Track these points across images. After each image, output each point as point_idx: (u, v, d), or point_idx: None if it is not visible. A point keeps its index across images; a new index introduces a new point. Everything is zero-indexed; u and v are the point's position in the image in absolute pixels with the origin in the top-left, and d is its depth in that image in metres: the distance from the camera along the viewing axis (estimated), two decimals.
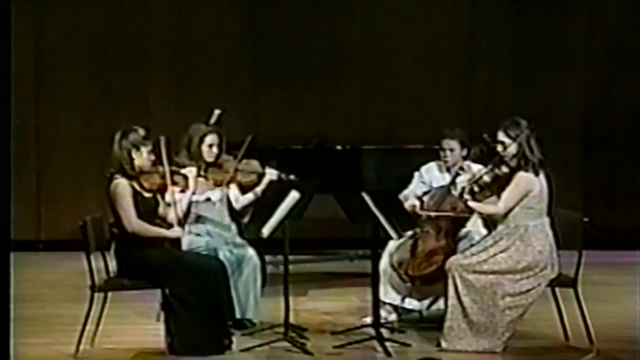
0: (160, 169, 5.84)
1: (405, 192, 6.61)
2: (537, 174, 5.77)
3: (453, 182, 6.33)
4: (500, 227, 5.85)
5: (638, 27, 10.13)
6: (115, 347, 5.92)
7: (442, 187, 6.44)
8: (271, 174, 6.45)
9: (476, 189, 5.94)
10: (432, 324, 6.21)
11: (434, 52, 10.22)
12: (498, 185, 5.87)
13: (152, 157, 5.82)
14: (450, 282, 5.79)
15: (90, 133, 9.79)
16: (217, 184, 6.38)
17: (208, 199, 6.40)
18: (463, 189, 5.98)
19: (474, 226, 6.39)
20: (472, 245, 6.07)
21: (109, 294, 5.93)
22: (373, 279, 6.16)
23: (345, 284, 8.05)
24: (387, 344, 5.83)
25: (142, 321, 6.57)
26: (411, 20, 10.20)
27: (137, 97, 10.06)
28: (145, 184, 5.78)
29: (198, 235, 6.38)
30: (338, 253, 9.17)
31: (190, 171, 6.06)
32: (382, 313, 6.25)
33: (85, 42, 10.13)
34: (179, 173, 5.96)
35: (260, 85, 10.08)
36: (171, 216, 5.89)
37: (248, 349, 5.82)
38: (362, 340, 5.94)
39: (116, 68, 10.14)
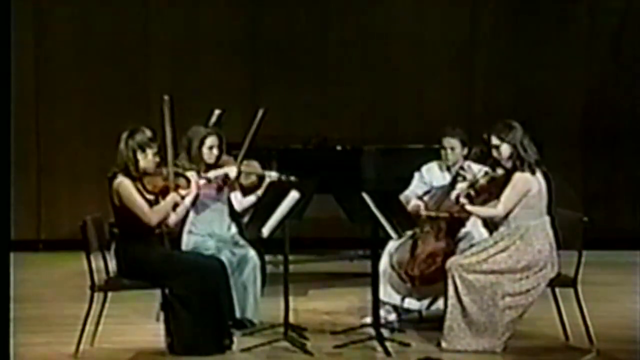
0: (164, 171, 5.83)
1: (406, 192, 6.61)
2: (533, 173, 5.78)
3: (453, 181, 6.33)
4: (501, 229, 5.85)
5: (638, 27, 10.13)
6: (115, 347, 5.92)
7: (442, 187, 6.44)
8: (270, 176, 6.45)
9: (473, 193, 5.96)
10: (431, 324, 6.22)
11: (434, 52, 10.23)
12: (495, 187, 5.87)
13: (157, 159, 5.80)
14: (450, 282, 5.80)
15: (90, 133, 9.80)
16: (220, 186, 6.37)
17: (225, 176, 6.33)
18: (459, 194, 5.99)
19: (474, 226, 6.39)
20: (472, 246, 6.08)
21: (109, 294, 5.93)
22: (373, 279, 6.16)
23: (345, 284, 8.05)
24: (387, 343, 5.83)
25: (142, 321, 6.57)
26: (411, 20, 10.21)
27: (137, 97, 10.06)
28: (148, 186, 5.77)
29: (198, 235, 6.38)
30: (338, 253, 9.18)
31: (193, 175, 6.05)
32: (382, 313, 6.25)
33: (85, 42, 10.14)
34: (182, 175, 5.96)
35: (260, 85, 10.08)
36: (172, 219, 5.89)
37: (248, 349, 5.82)
38: (362, 340, 5.94)
39: (116, 68, 10.14)
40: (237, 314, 6.24)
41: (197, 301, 5.65)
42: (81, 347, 5.73)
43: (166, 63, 10.22)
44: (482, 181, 6.01)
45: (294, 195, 5.91)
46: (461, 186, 6.15)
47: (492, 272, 5.75)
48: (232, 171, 6.33)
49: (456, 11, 10.28)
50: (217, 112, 7.02)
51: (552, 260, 5.79)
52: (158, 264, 5.71)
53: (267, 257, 7.00)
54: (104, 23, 10.13)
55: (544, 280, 5.78)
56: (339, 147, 8.17)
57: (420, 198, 6.50)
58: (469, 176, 6.21)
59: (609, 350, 5.81)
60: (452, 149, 6.53)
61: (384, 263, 6.37)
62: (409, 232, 6.38)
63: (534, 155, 5.80)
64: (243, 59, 10.23)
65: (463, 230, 6.37)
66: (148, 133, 5.77)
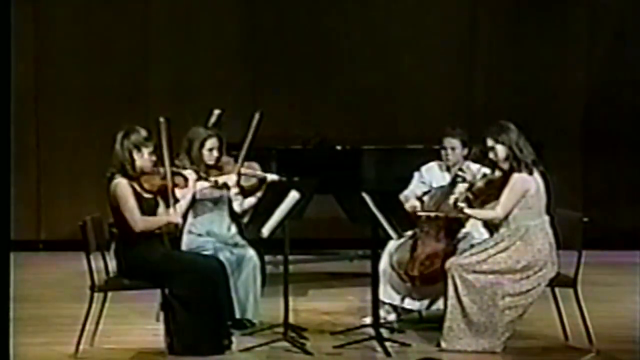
0: (161, 170, 5.84)
1: (406, 192, 6.61)
2: (531, 173, 5.78)
3: (453, 182, 6.33)
4: (502, 230, 5.84)
5: (638, 27, 10.13)
6: (115, 347, 5.92)
7: (442, 187, 6.44)
8: (272, 179, 6.43)
9: (471, 196, 5.96)
10: (431, 324, 6.22)
11: (434, 52, 10.22)
12: (494, 189, 5.88)
13: (154, 158, 5.82)
14: (450, 282, 5.80)
15: (90, 133, 9.80)
16: (220, 186, 6.37)
17: (224, 184, 6.33)
18: (457, 199, 5.99)
19: (474, 227, 6.39)
20: (472, 246, 6.08)
21: (109, 294, 5.93)
22: (373, 279, 6.16)
23: (345, 284, 8.05)
24: (387, 344, 5.83)
25: (142, 321, 6.57)
26: (411, 20, 10.20)
27: (137, 97, 10.06)
28: (146, 185, 5.78)
29: (198, 235, 6.38)
30: (338, 253, 9.17)
31: (191, 173, 6.05)
32: (382, 313, 6.25)
33: (85, 42, 10.14)
34: (180, 174, 5.96)
35: (260, 85, 10.08)
36: (171, 214, 5.88)
37: (248, 349, 5.82)
38: (361, 340, 5.94)
39: (116, 68, 10.15)
40: (237, 314, 6.24)
41: (197, 301, 5.65)
42: (81, 347, 5.73)
43: (166, 63, 10.22)
44: (480, 184, 6.02)
45: (294, 195, 5.91)
46: (460, 189, 6.15)
47: (492, 272, 5.75)
48: (231, 180, 6.33)
49: (456, 11, 10.28)
50: (216, 112, 7.01)
51: (552, 260, 5.79)
52: (158, 264, 5.71)
53: (267, 257, 7.01)
54: (104, 23, 10.12)
55: (544, 280, 5.78)
56: (339, 147, 8.17)
57: (419, 198, 6.50)
58: (468, 177, 6.21)
59: (609, 350, 5.81)
60: (453, 149, 6.53)
61: (383, 263, 6.37)
62: (409, 232, 6.38)
63: (530, 155, 5.80)
64: (243, 59, 10.23)
65: (463, 231, 6.37)
66: (143, 132, 5.78)
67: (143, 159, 5.77)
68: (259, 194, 6.42)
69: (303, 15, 10.22)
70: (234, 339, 5.86)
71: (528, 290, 5.75)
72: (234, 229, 6.53)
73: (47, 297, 7.53)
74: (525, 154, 5.79)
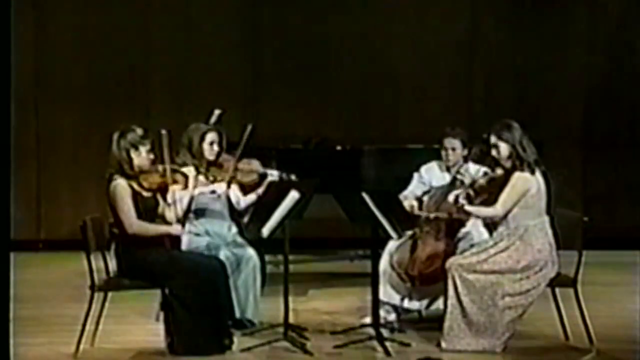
0: (159, 167, 5.84)
1: (405, 192, 6.61)
2: (532, 173, 5.78)
3: (453, 182, 6.33)
4: (500, 229, 5.85)
5: (638, 26, 10.13)
6: (115, 347, 5.92)
7: (441, 187, 6.44)
8: (272, 175, 6.44)
9: (472, 193, 5.96)
10: (431, 324, 6.22)
11: (434, 52, 10.23)
12: (495, 187, 5.88)
13: (151, 156, 5.82)
14: (450, 282, 5.80)
15: (90, 133, 9.79)
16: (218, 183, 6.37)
17: (213, 192, 6.36)
18: (457, 195, 5.99)
19: (474, 226, 6.39)
20: (472, 246, 6.08)
21: (109, 294, 5.93)
22: (373, 279, 6.16)
23: (345, 284, 8.05)
24: (387, 343, 5.83)
25: (142, 321, 6.57)
26: (411, 20, 10.21)
27: (137, 97, 10.06)
28: (145, 184, 5.78)
29: (198, 235, 6.39)
30: (338, 253, 9.18)
31: (190, 170, 6.06)
32: (382, 313, 6.25)
33: (85, 42, 10.14)
34: (179, 171, 5.97)
35: (260, 85, 10.08)
36: (170, 215, 5.89)
37: (248, 349, 5.82)
38: (361, 340, 5.94)
39: (116, 68, 10.14)
40: (237, 314, 6.24)
41: (197, 301, 5.65)
42: (81, 347, 5.73)
43: (166, 63, 10.22)
44: (481, 181, 6.03)
45: (294, 195, 5.91)
46: (459, 190, 6.16)
47: (492, 272, 5.75)
48: (220, 187, 6.34)
49: (456, 11, 10.28)
50: (217, 112, 7.01)
51: (552, 259, 5.79)
52: (158, 264, 5.71)
53: (267, 257, 7.01)
54: (104, 23, 10.12)
55: (544, 280, 5.78)
56: (339, 147, 8.17)
57: (418, 198, 6.50)
58: (467, 180, 6.21)
59: (609, 350, 5.81)
60: (453, 149, 6.53)
61: (383, 263, 6.37)
62: (409, 232, 6.39)
63: (532, 155, 5.81)
64: (243, 58, 10.23)
65: (463, 231, 6.37)
66: (139, 131, 5.79)
67: (141, 157, 5.77)
68: (259, 191, 6.41)
69: (303, 15, 10.22)
70: (234, 338, 5.86)
71: (528, 290, 5.75)
72: (234, 228, 6.54)
73: (47, 297, 7.53)
74: (528, 153, 5.79)
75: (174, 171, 5.89)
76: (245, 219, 6.53)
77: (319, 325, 6.46)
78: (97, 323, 5.88)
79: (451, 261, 5.87)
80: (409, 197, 6.53)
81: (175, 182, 5.88)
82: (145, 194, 5.79)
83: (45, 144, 10.18)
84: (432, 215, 6.28)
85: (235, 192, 6.52)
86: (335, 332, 6.24)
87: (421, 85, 10.20)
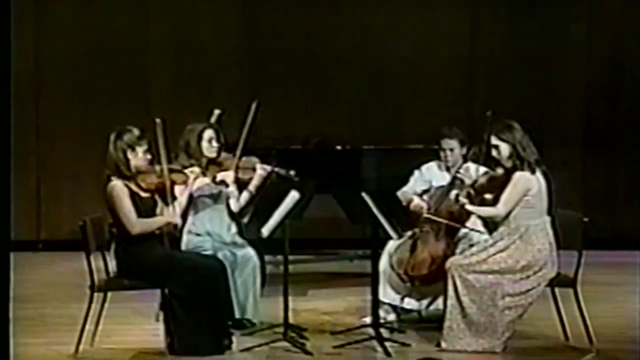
0: (157, 168, 5.84)
1: (405, 188, 6.61)
2: (533, 173, 5.78)
3: (453, 182, 6.34)
4: (501, 228, 5.85)
5: (638, 27, 10.13)
6: (115, 347, 5.92)
7: (441, 186, 6.44)
8: (263, 168, 6.43)
9: (473, 192, 5.97)
10: (431, 324, 6.22)
11: (434, 52, 10.23)
12: (495, 187, 5.88)
13: (149, 157, 5.82)
14: (449, 282, 5.79)
15: (90, 133, 9.78)
16: (218, 183, 6.37)
17: (222, 182, 6.33)
18: (458, 194, 5.99)
19: (474, 226, 6.39)
20: (471, 246, 6.08)
21: (109, 294, 5.93)
22: (373, 279, 6.16)
23: (345, 284, 8.05)
24: (387, 344, 5.83)
25: (142, 321, 6.58)
26: (411, 20, 10.21)
27: (137, 97, 10.06)
28: (142, 184, 5.78)
29: (198, 235, 6.38)
30: (338, 253, 9.18)
31: (193, 171, 6.06)
32: (381, 313, 6.26)
33: (85, 42, 10.15)
34: (177, 170, 5.96)
35: (260, 85, 10.08)
36: (169, 214, 5.88)
37: (248, 349, 5.82)
38: (361, 340, 5.94)
39: (116, 68, 10.15)
40: (237, 314, 6.24)
41: (197, 301, 5.65)
42: (81, 347, 5.73)
43: (166, 63, 10.22)
44: (482, 180, 6.03)
45: (294, 195, 5.91)
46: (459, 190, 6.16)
47: (492, 272, 5.75)
48: (229, 177, 6.33)
49: (456, 11, 10.28)
50: (217, 112, 7.01)
51: (552, 259, 5.79)
52: (158, 264, 5.71)
53: (267, 257, 7.00)
54: (104, 23, 10.13)
55: (544, 280, 5.77)
56: (339, 147, 8.17)
57: (420, 196, 6.50)
58: (467, 180, 6.21)
59: (609, 350, 5.81)
60: (451, 149, 6.54)
61: (383, 263, 6.37)
62: (409, 232, 6.39)
63: (533, 154, 5.81)
64: (243, 59, 10.23)
65: (463, 230, 6.37)
66: (136, 132, 5.78)
67: (138, 158, 5.77)
68: (251, 187, 6.40)
69: (303, 15, 10.23)
70: (234, 338, 5.86)
71: (528, 290, 5.74)
72: (233, 228, 6.54)
73: (47, 297, 7.53)
74: (529, 153, 5.79)
75: (172, 171, 5.88)
76: (245, 219, 6.53)
77: (319, 325, 6.46)
78: (97, 323, 5.88)
79: (451, 261, 5.87)
80: (409, 194, 6.53)
81: (174, 182, 5.88)
82: (143, 194, 5.78)
83: (45, 144, 10.19)
84: (437, 219, 6.25)
85: (232, 193, 6.50)
86: (335, 332, 6.24)
87: (421, 85, 10.21)
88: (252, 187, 6.42)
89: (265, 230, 5.95)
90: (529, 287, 5.74)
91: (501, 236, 5.82)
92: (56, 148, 10.16)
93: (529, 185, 5.77)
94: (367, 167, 8.05)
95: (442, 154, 6.58)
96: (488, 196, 5.99)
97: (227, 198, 6.50)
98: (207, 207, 6.42)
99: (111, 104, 9.98)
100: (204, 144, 6.36)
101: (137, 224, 5.68)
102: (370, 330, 6.01)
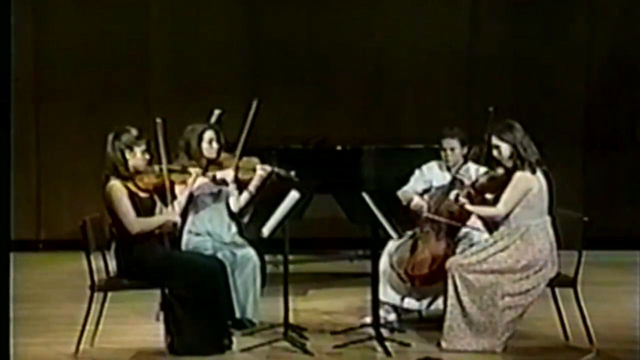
0: (156, 168, 5.84)
1: (405, 188, 6.61)
2: (534, 172, 5.78)
3: (453, 182, 6.34)
4: (501, 228, 5.85)
5: (638, 26, 10.13)
6: (115, 347, 5.92)
7: (442, 186, 6.44)
8: (263, 169, 6.43)
9: (473, 192, 5.97)
10: (431, 324, 6.22)
11: (434, 52, 10.22)
12: (496, 187, 5.88)
13: (147, 157, 5.81)
14: (450, 281, 5.80)
15: (90, 133, 9.77)
16: (218, 181, 6.37)
17: (223, 181, 6.33)
18: (458, 194, 5.99)
19: (474, 226, 6.38)
20: (471, 245, 6.08)
21: (109, 294, 5.93)
22: (373, 279, 6.16)
23: (345, 284, 8.05)
24: (387, 343, 5.83)
25: (142, 321, 6.57)
26: (411, 20, 10.20)
27: (137, 97, 10.06)
28: (141, 184, 5.78)
29: (198, 234, 6.39)
30: (338, 253, 9.17)
31: (196, 171, 6.06)
32: (382, 313, 6.25)
33: (85, 42, 10.14)
34: (176, 170, 5.96)
35: (260, 85, 10.08)
36: (169, 213, 5.88)
37: (248, 349, 5.82)
38: (361, 340, 5.94)
39: (116, 68, 10.14)
40: (237, 314, 6.24)
41: (197, 301, 5.65)
42: (81, 347, 5.74)
43: (166, 63, 10.22)
44: (483, 180, 6.03)
45: (294, 195, 5.91)
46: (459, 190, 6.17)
47: (492, 272, 5.75)
48: (229, 175, 6.33)
49: (456, 11, 10.28)
50: (217, 112, 7.01)
51: (552, 259, 5.79)
52: (158, 264, 5.71)
53: (267, 257, 7.00)
54: (104, 23, 10.12)
55: (544, 280, 5.78)
56: (339, 147, 8.17)
57: (420, 195, 6.50)
58: (467, 181, 6.21)
59: (609, 350, 5.81)
60: (452, 149, 6.53)
61: (383, 263, 6.37)
62: (409, 232, 6.39)
63: (534, 154, 5.81)
64: (243, 59, 10.23)
65: (463, 230, 6.37)
66: (134, 132, 5.78)
67: (136, 158, 5.76)
68: (251, 187, 6.40)
69: (303, 15, 10.22)
70: (234, 338, 5.86)
71: (528, 290, 5.75)
72: (233, 228, 6.54)
73: (47, 297, 7.53)
74: (529, 153, 5.79)
75: (171, 171, 5.88)
76: (245, 219, 6.53)
77: (319, 325, 6.46)
78: (97, 323, 5.88)
79: (451, 261, 5.87)
80: (410, 194, 6.52)
81: (173, 182, 5.88)
82: (141, 194, 5.78)
83: (45, 144, 10.18)
84: (437, 218, 6.26)
85: (232, 193, 6.50)
86: (335, 332, 6.24)
87: (421, 85, 10.20)
88: (252, 187, 6.43)
89: (266, 230, 5.95)
90: (529, 286, 5.74)
91: (501, 236, 5.83)
92: (56, 148, 10.16)
93: (529, 185, 5.77)
94: (367, 167, 8.05)
95: (442, 153, 6.58)
96: (489, 196, 5.99)
97: (227, 198, 6.50)
98: (207, 206, 6.42)
99: (111, 104, 9.97)
100: (204, 144, 6.36)
101: (136, 223, 5.68)
102: (371, 330, 6.01)
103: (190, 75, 10.17)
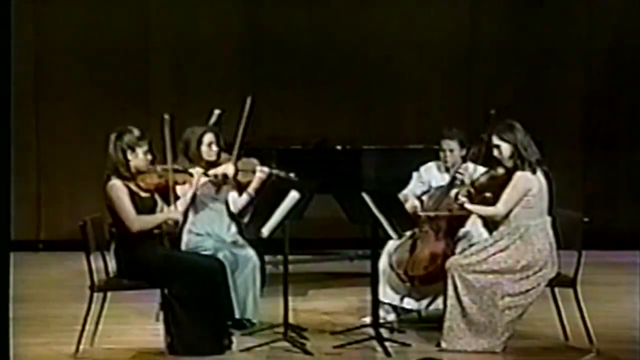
0: (158, 168, 5.83)
1: (405, 191, 6.61)
2: (534, 172, 5.78)
3: (452, 182, 6.34)
4: (501, 228, 5.85)
5: (638, 26, 10.13)
6: (115, 347, 5.92)
7: (441, 187, 6.44)
8: (262, 171, 6.43)
9: (473, 191, 5.97)
10: (431, 324, 6.22)
11: (434, 51, 10.23)
12: (496, 186, 5.88)
13: (149, 157, 5.81)
14: (449, 281, 5.80)
15: (90, 133, 9.78)
16: (220, 180, 6.37)
17: (224, 176, 6.32)
18: (457, 192, 6.00)
19: (473, 226, 6.39)
20: (471, 245, 6.08)
21: (109, 294, 5.93)
22: (372, 279, 6.16)
23: (345, 284, 8.05)
24: (387, 344, 5.83)
25: (142, 321, 6.57)
26: (411, 20, 10.21)
27: (137, 97, 10.06)
28: (142, 184, 5.78)
29: (198, 235, 6.38)
30: (338, 253, 9.17)
31: (197, 170, 6.07)
32: (381, 313, 6.25)
33: (85, 42, 10.14)
34: (179, 170, 5.96)
35: (260, 85, 10.08)
36: (170, 210, 5.88)
37: (248, 349, 5.82)
38: (361, 340, 5.94)
39: (116, 68, 10.15)
40: (237, 314, 6.24)
41: (197, 301, 5.65)
42: (81, 347, 5.74)
43: (166, 63, 10.22)
44: (482, 179, 6.02)
45: (294, 195, 5.91)
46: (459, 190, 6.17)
47: (492, 272, 5.75)
48: (229, 169, 6.33)
49: (456, 11, 10.28)
50: (217, 112, 7.01)
51: (552, 259, 5.79)
52: (157, 264, 5.71)
53: (267, 257, 7.01)
54: (104, 23, 10.12)
55: (544, 280, 5.77)
56: (339, 147, 8.17)
57: (418, 198, 6.50)
58: (466, 180, 6.21)
59: (609, 350, 5.81)
60: (451, 150, 6.54)
61: (383, 263, 6.38)
62: (409, 232, 6.38)
63: (534, 154, 5.81)
64: (243, 59, 10.23)
65: (462, 230, 6.37)
66: (136, 132, 5.78)
67: (138, 158, 5.76)
68: (250, 190, 6.40)
69: (303, 15, 10.22)
70: (234, 338, 5.86)
71: (528, 290, 5.74)
72: (233, 228, 6.53)
73: (47, 297, 7.53)
74: (530, 153, 5.79)
75: (175, 171, 5.88)
76: (245, 219, 6.53)
77: (319, 325, 6.46)
78: (97, 323, 5.88)
79: (451, 261, 5.87)
80: (409, 197, 6.53)
81: (176, 182, 5.88)
82: (143, 194, 5.78)
83: (45, 144, 10.18)
84: (432, 214, 6.28)
85: (232, 194, 6.50)
86: (335, 332, 6.24)
87: (421, 85, 10.20)
88: (251, 189, 6.42)
89: (265, 230, 5.95)
90: (529, 287, 5.74)
91: (501, 236, 5.83)
92: (56, 148, 10.16)
93: (529, 185, 5.77)
94: (367, 167, 8.05)
95: (441, 154, 6.58)
96: (488, 195, 5.99)
97: (227, 198, 6.50)
98: (207, 207, 6.42)
99: (111, 103, 9.97)
100: (204, 147, 6.36)
101: (136, 221, 5.68)
102: (370, 330, 6.01)
103: (191, 74, 10.17)
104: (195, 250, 6.25)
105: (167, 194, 5.84)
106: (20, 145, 9.16)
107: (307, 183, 6.07)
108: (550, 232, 5.82)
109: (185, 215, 6.22)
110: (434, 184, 6.55)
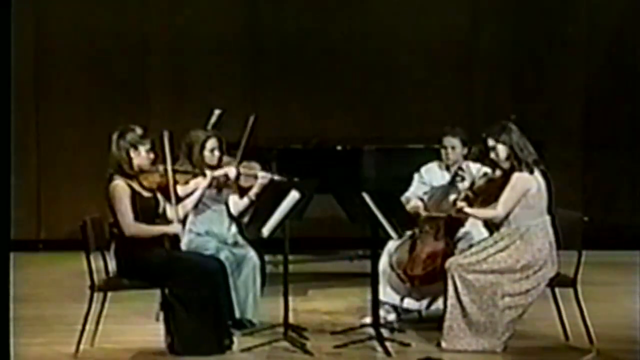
0: (160, 167, 5.84)
1: (407, 194, 6.62)
2: (532, 173, 5.78)
3: (453, 181, 6.34)
4: (502, 229, 5.84)
5: (637, 27, 10.13)
6: (115, 347, 5.92)
7: (441, 186, 6.45)
8: (264, 177, 6.43)
9: (471, 195, 5.96)
10: (431, 324, 6.22)
11: (434, 51, 10.23)
12: (494, 189, 5.88)
13: (152, 156, 5.82)
14: (449, 281, 5.79)
15: (90, 133, 9.80)
16: (220, 187, 6.38)
17: (225, 176, 6.32)
18: (456, 198, 6.00)
19: (473, 226, 6.39)
20: (471, 245, 6.08)
21: (109, 294, 5.93)
22: (373, 279, 6.16)
23: (345, 284, 8.05)
24: (387, 343, 5.83)
25: (142, 321, 6.57)
26: (411, 20, 10.22)
27: (137, 97, 10.07)
28: (145, 183, 5.78)
29: (198, 235, 6.39)
30: (338, 253, 9.17)
31: (209, 174, 6.08)
32: (381, 313, 6.25)
33: (85, 42, 10.15)
34: (181, 171, 5.96)
35: (260, 85, 10.09)
36: (172, 214, 5.88)
37: (248, 349, 5.82)
38: (362, 340, 5.94)
39: (116, 68, 10.15)
40: (237, 314, 6.24)
41: (197, 301, 5.65)
42: (81, 347, 5.73)
43: (166, 63, 10.22)
44: (481, 183, 6.03)
45: (294, 195, 5.91)
46: (460, 187, 6.17)
47: (492, 271, 5.75)
48: (231, 171, 6.33)
49: (456, 11, 10.28)
50: (217, 112, 7.02)
51: (552, 259, 5.79)
52: (158, 263, 5.71)
53: (267, 257, 7.01)
54: (103, 23, 10.13)
55: (544, 280, 5.77)
56: (339, 147, 8.17)
57: (420, 199, 6.50)
58: (467, 177, 6.21)
59: (609, 350, 5.81)
60: (453, 148, 6.54)
61: (383, 263, 6.38)
62: (409, 232, 6.39)
63: (531, 155, 5.81)
64: (243, 59, 10.24)
65: (462, 230, 6.38)
66: (138, 131, 5.78)
67: (140, 157, 5.77)
68: (251, 194, 6.40)
69: (303, 15, 10.23)
70: (234, 338, 5.86)
71: (528, 290, 5.74)
72: (234, 228, 6.54)
73: (47, 297, 7.54)
74: (526, 154, 5.79)
75: (176, 172, 5.89)
76: (245, 219, 6.53)
77: (319, 325, 6.46)
78: (97, 323, 5.88)
79: (451, 261, 5.87)
80: (411, 199, 6.53)
81: (177, 182, 5.88)
82: (145, 193, 5.78)
83: (45, 144, 10.19)
84: (434, 214, 6.27)
85: (233, 196, 6.50)
86: (335, 332, 6.24)
87: (421, 85, 10.21)
88: (252, 194, 6.42)
89: (265, 230, 5.95)
90: (529, 286, 5.74)
91: (501, 236, 5.82)
92: (56, 148, 10.16)
93: (527, 185, 5.76)
94: (367, 167, 8.05)
95: (443, 151, 6.58)
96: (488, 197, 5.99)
97: (228, 200, 6.50)
98: (208, 207, 6.42)
99: (111, 103, 9.98)
100: (206, 153, 6.37)
101: (132, 226, 5.68)
102: (370, 330, 6.01)
103: (191, 75, 10.17)
104: (196, 250, 6.25)
105: (169, 194, 5.84)
106: (20, 145, 9.18)
107: (307, 183, 6.07)
108: (550, 232, 5.82)
109: (186, 215, 6.22)
110: (435, 184, 6.55)
